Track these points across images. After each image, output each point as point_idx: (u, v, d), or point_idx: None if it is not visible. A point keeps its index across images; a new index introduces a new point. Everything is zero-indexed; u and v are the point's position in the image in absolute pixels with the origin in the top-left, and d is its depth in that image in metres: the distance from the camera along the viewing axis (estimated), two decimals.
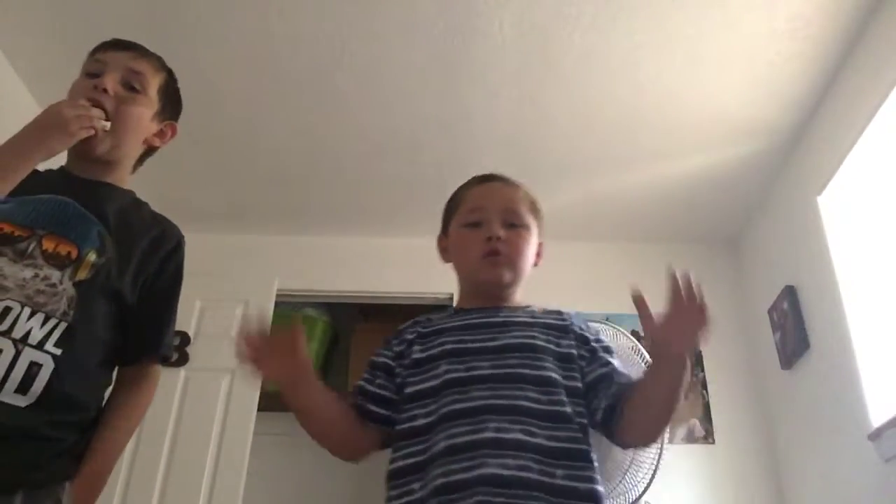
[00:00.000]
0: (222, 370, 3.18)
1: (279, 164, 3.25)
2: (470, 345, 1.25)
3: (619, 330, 2.51)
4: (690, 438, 3.21)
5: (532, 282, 1.41)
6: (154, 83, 1.55)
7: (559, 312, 1.37)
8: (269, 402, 3.43)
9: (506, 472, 1.07)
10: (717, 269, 3.65)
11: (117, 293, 1.36)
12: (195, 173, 3.30)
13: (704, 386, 3.35)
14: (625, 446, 1.33)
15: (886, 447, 2.31)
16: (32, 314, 1.23)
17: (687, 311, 1.12)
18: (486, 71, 2.70)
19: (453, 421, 1.14)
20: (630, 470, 2.40)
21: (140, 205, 1.53)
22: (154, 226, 1.49)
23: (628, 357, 2.62)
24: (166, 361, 1.57)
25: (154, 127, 1.55)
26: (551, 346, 1.26)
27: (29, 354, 1.21)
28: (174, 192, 3.44)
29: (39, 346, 1.23)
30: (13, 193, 1.28)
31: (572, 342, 1.29)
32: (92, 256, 1.33)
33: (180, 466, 2.99)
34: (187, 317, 3.29)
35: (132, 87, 1.49)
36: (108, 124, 1.40)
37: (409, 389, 1.24)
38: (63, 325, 1.27)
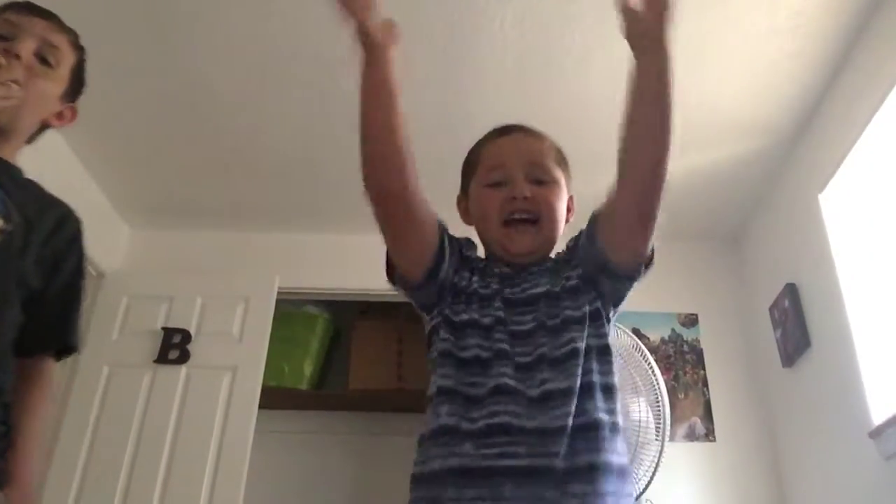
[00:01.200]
0: (223, 368, 3.18)
1: (280, 162, 3.25)
2: (508, 325, 1.16)
3: (620, 328, 2.52)
4: (691, 436, 3.21)
5: None
6: (68, 60, 1.41)
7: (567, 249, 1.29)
8: (270, 400, 3.44)
9: (557, 423, 1.03)
10: (718, 266, 3.65)
11: (21, 271, 1.23)
12: (196, 171, 3.30)
13: (705, 384, 3.35)
14: (634, 184, 1.24)
15: (887, 445, 2.31)
16: None
17: None
18: (487, 70, 2.70)
19: (500, 367, 1.09)
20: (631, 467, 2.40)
21: (33, 182, 1.39)
22: (56, 204, 1.37)
23: (630, 356, 2.62)
24: (70, 354, 1.41)
25: (57, 106, 1.41)
26: (557, 289, 1.18)
27: None
28: (175, 190, 3.45)
29: None
30: None
31: (575, 259, 1.22)
32: None
33: (181, 464, 2.99)
34: (188, 314, 3.30)
35: (45, 59, 1.35)
36: (21, 96, 1.27)
37: (453, 318, 1.17)
38: None
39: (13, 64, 1.27)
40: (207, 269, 3.59)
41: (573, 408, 1.05)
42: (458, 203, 1.37)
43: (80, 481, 2.94)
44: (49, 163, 2.98)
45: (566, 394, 1.06)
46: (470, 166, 1.35)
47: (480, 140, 1.37)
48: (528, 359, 1.11)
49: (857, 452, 2.50)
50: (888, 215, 2.39)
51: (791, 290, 3.02)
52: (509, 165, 1.26)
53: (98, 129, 3.02)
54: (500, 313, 1.16)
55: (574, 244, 1.25)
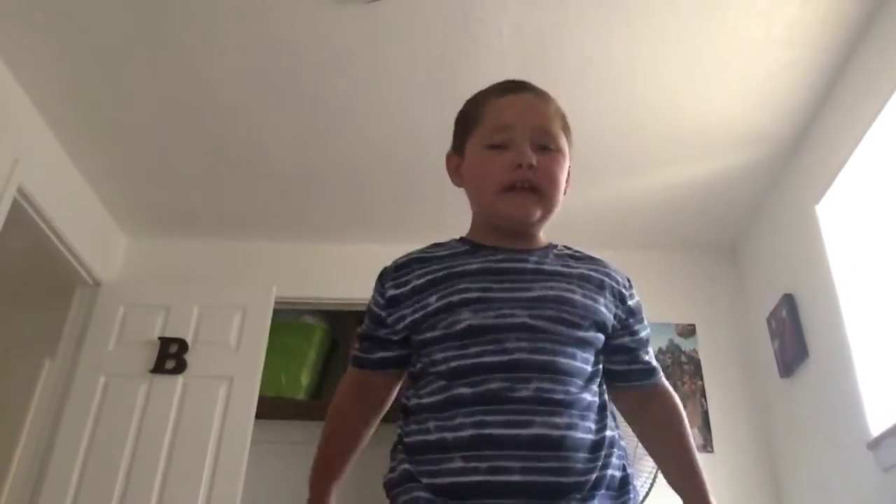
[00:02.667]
0: (220, 377, 3.17)
1: (278, 172, 3.25)
2: (498, 294, 1.08)
3: None
4: None
5: None
6: None
7: (594, 261, 1.20)
8: (267, 410, 3.42)
9: (555, 433, 0.99)
10: (716, 276, 3.65)
11: None
12: (194, 181, 3.30)
13: (703, 394, 3.35)
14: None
15: (885, 456, 2.31)
16: None
17: None
18: (486, 78, 2.68)
19: (487, 374, 1.02)
20: None
21: None
22: None
23: None
24: None
25: None
26: (589, 303, 1.10)
27: None
28: (172, 200, 3.44)
29: None
30: None
31: (609, 301, 1.14)
32: None
33: (178, 474, 2.98)
34: (185, 324, 3.29)
35: None
36: None
37: (422, 336, 1.10)
38: None
39: None
40: (204, 279, 3.58)
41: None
42: (449, 160, 1.26)
43: (76, 492, 2.93)
44: (47, 172, 3.00)
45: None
46: (468, 123, 1.23)
47: (483, 93, 1.26)
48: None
49: (856, 464, 2.49)
50: (885, 226, 2.40)
51: (789, 301, 3.02)
52: (516, 128, 1.16)
53: (96, 139, 3.03)
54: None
55: (623, 319, 1.19)
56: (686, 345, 3.45)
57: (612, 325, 1.14)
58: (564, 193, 1.20)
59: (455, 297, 1.08)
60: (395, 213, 3.49)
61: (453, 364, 1.05)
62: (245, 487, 2.98)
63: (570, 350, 1.06)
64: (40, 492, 2.91)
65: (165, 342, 3.24)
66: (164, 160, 3.16)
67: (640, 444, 2.38)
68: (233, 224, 3.62)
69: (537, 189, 1.14)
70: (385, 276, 1.20)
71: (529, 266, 1.13)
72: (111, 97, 2.80)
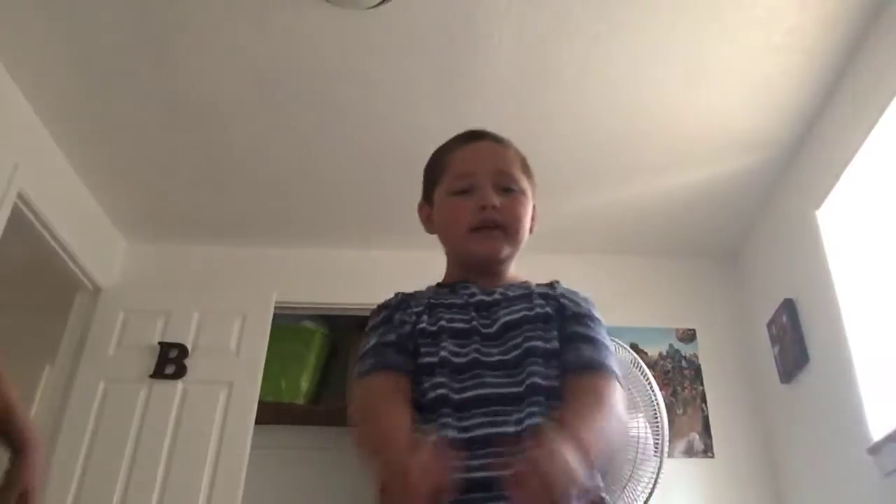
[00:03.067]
0: (220, 383, 3.17)
1: (277, 177, 3.25)
2: (474, 324, 1.14)
3: (618, 343, 2.51)
4: (690, 452, 3.20)
5: None
6: None
7: (550, 284, 1.25)
8: (267, 415, 3.42)
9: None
10: (716, 282, 3.65)
11: None
12: (194, 186, 3.30)
13: (704, 400, 3.34)
14: None
15: (886, 461, 2.31)
16: None
17: None
18: (486, 84, 2.71)
19: (468, 410, 1.04)
20: (629, 484, 2.39)
21: None
22: None
23: (628, 371, 2.61)
24: None
25: None
26: (552, 314, 1.16)
27: None
28: (172, 205, 3.44)
29: None
30: None
31: (556, 314, 1.17)
32: None
33: (177, 480, 2.97)
34: (185, 329, 3.29)
35: None
36: None
37: (421, 360, 1.12)
38: None
39: None
40: (204, 284, 3.58)
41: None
42: (420, 210, 1.35)
43: (75, 497, 2.92)
44: (48, 177, 3.00)
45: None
46: (434, 173, 1.32)
47: (445, 146, 1.35)
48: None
49: (856, 469, 2.49)
50: (886, 231, 2.40)
51: (789, 306, 3.01)
52: (477, 174, 1.24)
53: (96, 144, 3.03)
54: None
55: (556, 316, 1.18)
56: (686, 350, 3.45)
57: (562, 333, 1.16)
58: (531, 231, 1.27)
59: (434, 328, 1.14)
60: (394, 218, 3.48)
61: (439, 392, 1.07)
62: (245, 492, 2.97)
63: (539, 368, 1.08)
64: (41, 497, 2.90)
65: (165, 347, 3.23)
66: (164, 165, 3.17)
67: (639, 449, 2.36)
68: (233, 229, 3.62)
69: (502, 227, 1.21)
70: (388, 307, 1.23)
71: (497, 297, 1.19)
72: (111, 103, 2.80)
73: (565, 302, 1.20)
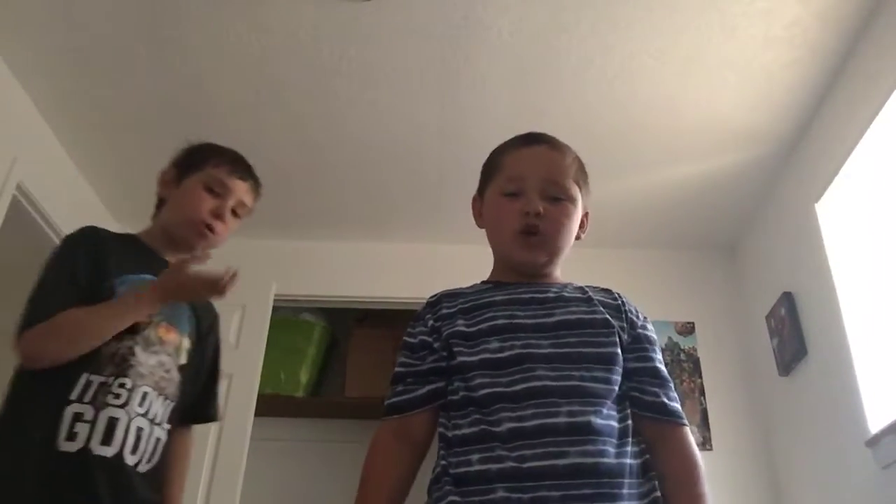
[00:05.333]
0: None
1: (276, 170, 3.24)
2: (523, 321, 1.17)
3: None
4: None
5: None
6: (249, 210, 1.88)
7: (608, 291, 1.30)
8: (267, 407, 3.42)
9: (588, 461, 1.03)
10: (715, 275, 3.66)
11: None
12: None
13: (702, 392, 3.35)
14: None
15: (884, 454, 2.31)
16: (157, 397, 1.42)
17: None
18: (485, 78, 2.71)
19: (519, 402, 1.08)
20: None
21: None
22: (211, 307, 1.71)
23: None
24: (208, 422, 1.77)
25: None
26: (612, 321, 1.19)
27: (156, 432, 1.42)
28: None
29: (160, 423, 1.43)
30: (121, 260, 1.47)
31: (623, 324, 1.22)
32: (187, 343, 1.53)
33: None
34: None
35: (236, 213, 1.82)
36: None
37: (456, 360, 1.16)
38: (171, 405, 1.47)
39: (217, 224, 1.69)
40: None
41: None
42: (474, 203, 1.38)
43: None
44: (45, 166, 2.99)
45: None
46: (489, 171, 1.36)
47: (504, 145, 1.37)
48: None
49: (854, 461, 2.50)
50: (885, 224, 2.40)
51: (788, 299, 3.02)
52: (527, 178, 1.27)
53: (95, 137, 3.03)
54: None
55: (630, 342, 1.22)
56: (685, 343, 3.46)
57: (627, 347, 1.20)
58: (580, 238, 1.32)
59: (484, 325, 1.18)
60: (394, 210, 3.49)
61: (486, 391, 1.11)
62: (244, 484, 2.98)
63: (596, 373, 1.12)
64: None
65: None
66: (163, 157, 3.14)
67: None
68: None
69: (543, 234, 1.24)
70: (423, 313, 1.29)
71: (551, 295, 1.23)
72: (110, 95, 2.80)
73: (633, 317, 1.25)
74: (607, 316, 1.20)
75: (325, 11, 2.43)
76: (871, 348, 2.46)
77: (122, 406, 1.35)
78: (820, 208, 2.79)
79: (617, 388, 1.13)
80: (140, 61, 2.64)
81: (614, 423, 1.09)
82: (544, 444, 1.04)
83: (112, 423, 1.33)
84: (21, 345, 1.35)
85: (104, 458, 1.31)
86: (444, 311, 1.24)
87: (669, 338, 3.45)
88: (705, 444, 3.21)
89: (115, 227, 3.67)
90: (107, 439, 1.32)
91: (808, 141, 2.89)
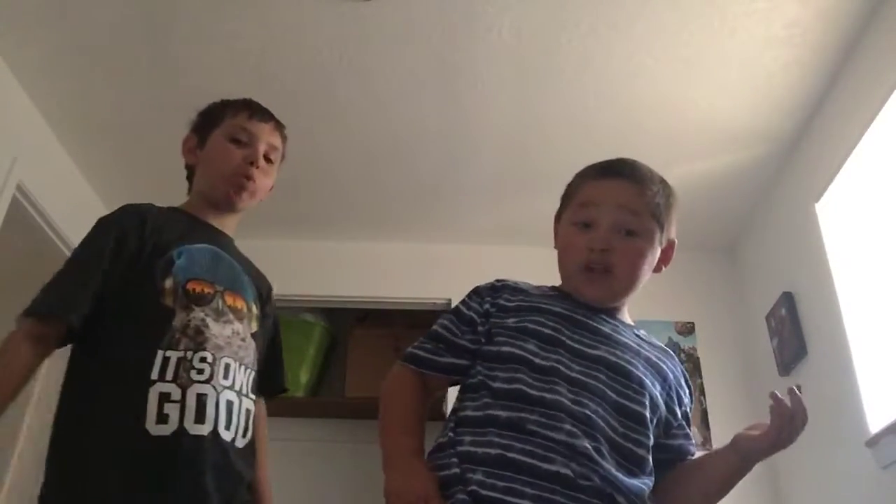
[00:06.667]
0: None
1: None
2: (566, 340, 1.16)
3: None
4: None
5: None
6: (280, 153, 1.84)
7: (667, 352, 1.29)
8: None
9: (571, 475, 1.03)
10: (715, 275, 3.66)
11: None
12: None
13: (702, 392, 3.36)
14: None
15: (884, 454, 2.31)
16: (239, 367, 1.37)
17: (795, 430, 1.19)
18: (485, 77, 2.71)
19: (530, 405, 1.09)
20: None
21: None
22: (263, 276, 1.67)
23: None
24: (279, 395, 1.72)
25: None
26: (647, 383, 1.18)
27: (245, 403, 1.37)
28: (172, 197, 3.43)
29: (247, 394, 1.39)
30: (172, 232, 1.43)
31: (672, 398, 1.26)
32: (255, 308, 1.50)
33: None
34: None
35: (268, 158, 1.74)
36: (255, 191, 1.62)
37: (490, 348, 1.19)
38: (252, 374, 1.42)
39: (253, 172, 1.60)
40: None
41: None
42: (554, 223, 1.35)
43: None
44: (45, 166, 2.99)
45: None
46: (567, 195, 1.33)
47: (584, 171, 1.33)
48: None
49: (854, 461, 2.50)
50: (885, 224, 2.40)
51: (788, 299, 3.02)
52: (599, 211, 1.22)
53: (96, 137, 3.02)
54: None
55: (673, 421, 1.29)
56: (685, 343, 3.46)
57: (663, 419, 1.22)
58: (659, 270, 1.28)
59: (529, 325, 1.18)
60: (393, 211, 3.48)
61: (503, 385, 1.13)
62: None
63: (612, 420, 1.12)
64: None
65: None
66: (163, 158, 3.15)
67: None
68: None
69: (608, 271, 1.20)
70: (483, 291, 1.29)
71: (604, 329, 1.21)
72: (110, 95, 2.80)
73: (682, 393, 1.30)
74: (646, 375, 1.19)
75: (325, 11, 2.43)
76: (871, 348, 2.46)
77: (208, 381, 1.29)
78: (820, 208, 2.79)
79: (630, 444, 1.12)
80: (140, 61, 2.64)
81: (612, 462, 1.09)
82: (534, 443, 1.05)
83: (202, 400, 1.27)
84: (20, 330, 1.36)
85: (201, 436, 1.26)
86: (503, 301, 1.24)
87: (669, 338, 3.44)
88: (705, 443, 3.21)
89: None
90: (199, 417, 1.26)
91: (808, 141, 2.89)
